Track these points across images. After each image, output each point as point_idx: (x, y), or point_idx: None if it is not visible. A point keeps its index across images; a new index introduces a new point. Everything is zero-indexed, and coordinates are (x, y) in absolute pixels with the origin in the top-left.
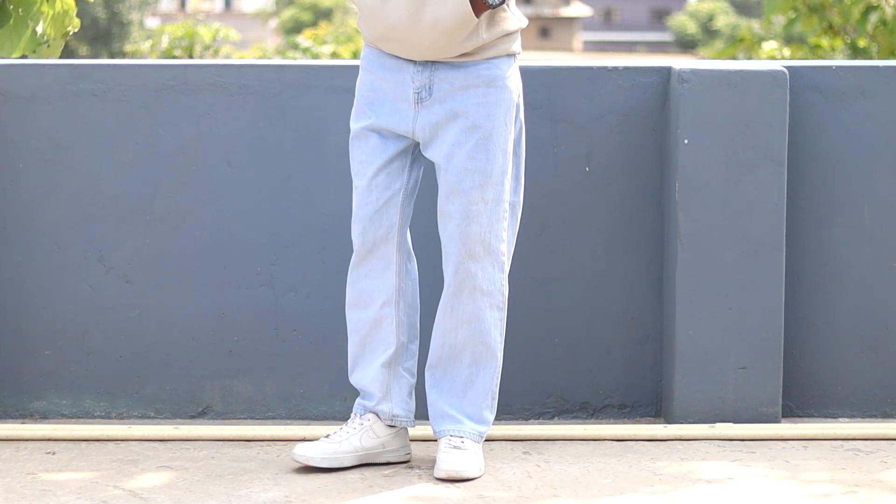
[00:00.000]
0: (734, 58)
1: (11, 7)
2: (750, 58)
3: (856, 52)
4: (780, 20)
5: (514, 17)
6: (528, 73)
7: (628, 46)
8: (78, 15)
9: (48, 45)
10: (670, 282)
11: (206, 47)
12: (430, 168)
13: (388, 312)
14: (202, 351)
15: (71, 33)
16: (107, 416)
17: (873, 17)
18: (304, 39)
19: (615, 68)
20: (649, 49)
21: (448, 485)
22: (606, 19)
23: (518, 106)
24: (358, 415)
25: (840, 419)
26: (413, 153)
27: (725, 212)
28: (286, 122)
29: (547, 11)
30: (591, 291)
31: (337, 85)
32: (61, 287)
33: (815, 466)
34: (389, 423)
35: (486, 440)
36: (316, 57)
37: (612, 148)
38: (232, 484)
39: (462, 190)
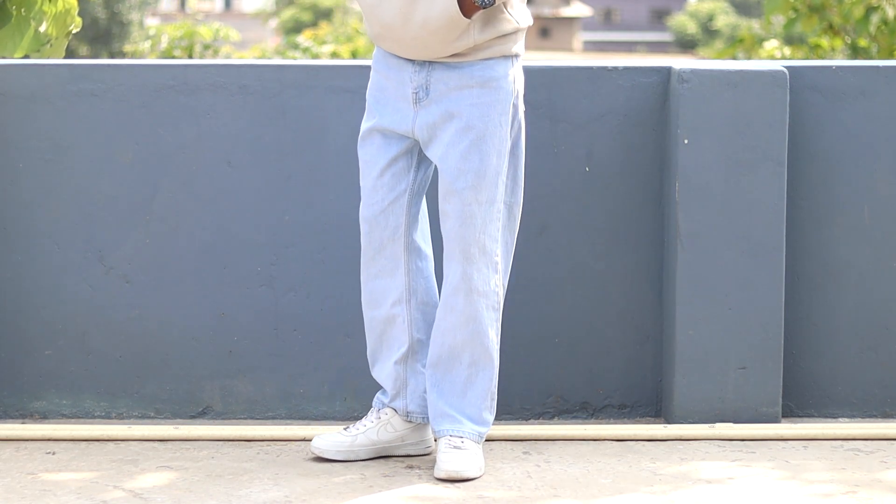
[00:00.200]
0: (734, 58)
1: (13, 7)
2: (750, 58)
3: (856, 52)
4: (780, 20)
5: (512, 19)
6: (528, 73)
7: (628, 46)
8: (78, 14)
9: (50, 45)
10: (670, 282)
11: (207, 47)
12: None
13: (399, 311)
14: (202, 351)
15: (73, 32)
16: (107, 416)
17: (875, 18)
18: (304, 39)
19: (615, 68)
20: (649, 49)
21: (448, 485)
22: (606, 19)
23: (516, 107)
24: (376, 409)
25: (840, 419)
26: (419, 153)
27: (725, 212)
28: (286, 122)
29: (547, 11)
30: (591, 291)
31: (337, 85)
32: (61, 287)
33: (815, 466)
34: (405, 418)
35: (486, 440)
36: (316, 57)
37: (612, 148)
38: (232, 484)
39: (456, 190)
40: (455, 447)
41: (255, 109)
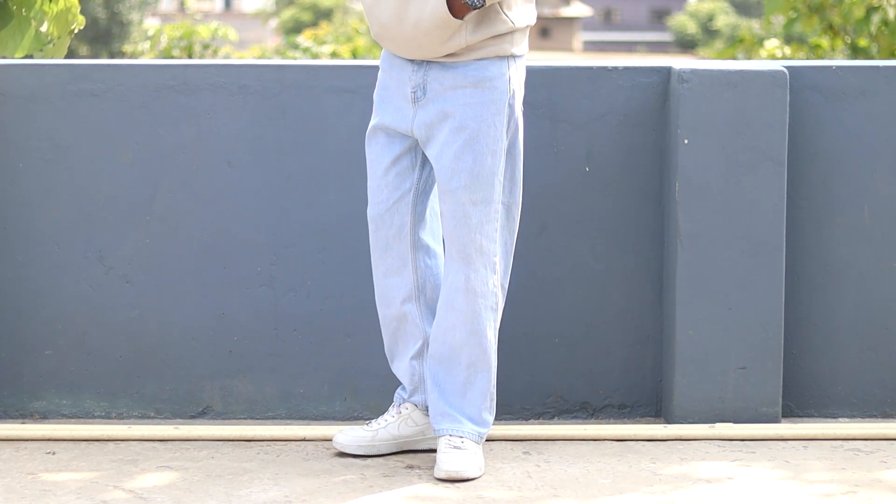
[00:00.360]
0: (734, 58)
1: (14, 7)
2: (750, 58)
3: (856, 52)
4: (780, 20)
5: (508, 19)
6: (528, 73)
7: (628, 46)
8: (80, 13)
9: (52, 45)
10: (670, 282)
11: (206, 47)
12: None
13: (409, 309)
14: (202, 351)
15: (75, 31)
16: (107, 416)
17: (875, 18)
18: (304, 39)
19: (615, 68)
20: (649, 49)
21: (448, 485)
22: (606, 19)
23: (512, 107)
24: (397, 404)
25: (840, 419)
26: (423, 152)
27: (725, 212)
28: (286, 122)
29: (547, 11)
30: (591, 291)
31: (337, 85)
32: (61, 287)
33: (815, 466)
34: (425, 413)
35: (486, 440)
36: (316, 57)
37: (612, 148)
38: (232, 484)
39: (450, 190)
40: (455, 447)
41: (255, 109)
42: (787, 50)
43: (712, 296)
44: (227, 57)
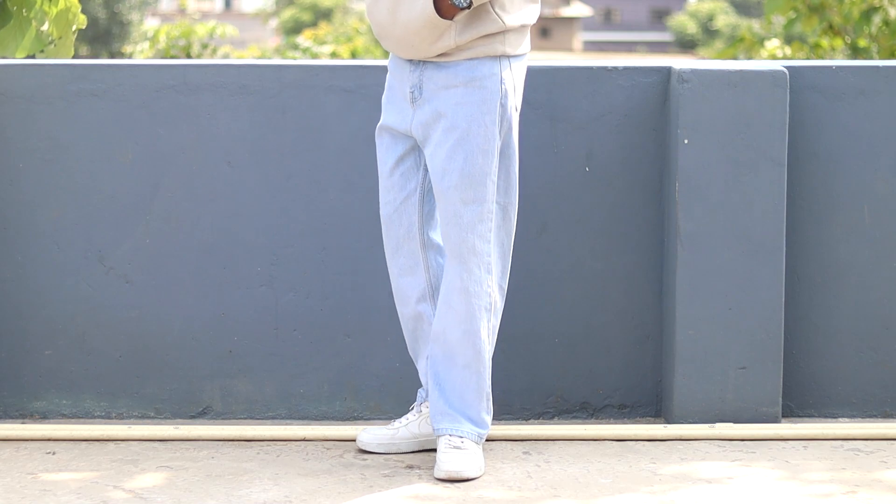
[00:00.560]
0: (734, 58)
1: (14, 7)
2: (750, 58)
3: (856, 52)
4: (780, 20)
5: (499, 19)
6: (528, 73)
7: (628, 46)
8: (80, 13)
9: (54, 45)
10: (670, 281)
11: (205, 46)
12: None
13: (424, 308)
14: (202, 351)
15: (77, 31)
16: (107, 416)
17: (876, 19)
18: (303, 39)
19: (615, 68)
20: (649, 49)
21: (448, 485)
22: (606, 19)
23: (504, 106)
24: (418, 403)
25: (840, 419)
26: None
27: (725, 212)
28: (286, 122)
29: (547, 11)
30: (590, 291)
31: (337, 85)
32: (61, 287)
33: (815, 466)
34: None
35: (486, 440)
36: (315, 57)
37: (612, 148)
38: (232, 484)
39: (442, 190)
40: (455, 447)
41: (255, 109)
42: (788, 50)
43: (712, 296)
44: (226, 56)
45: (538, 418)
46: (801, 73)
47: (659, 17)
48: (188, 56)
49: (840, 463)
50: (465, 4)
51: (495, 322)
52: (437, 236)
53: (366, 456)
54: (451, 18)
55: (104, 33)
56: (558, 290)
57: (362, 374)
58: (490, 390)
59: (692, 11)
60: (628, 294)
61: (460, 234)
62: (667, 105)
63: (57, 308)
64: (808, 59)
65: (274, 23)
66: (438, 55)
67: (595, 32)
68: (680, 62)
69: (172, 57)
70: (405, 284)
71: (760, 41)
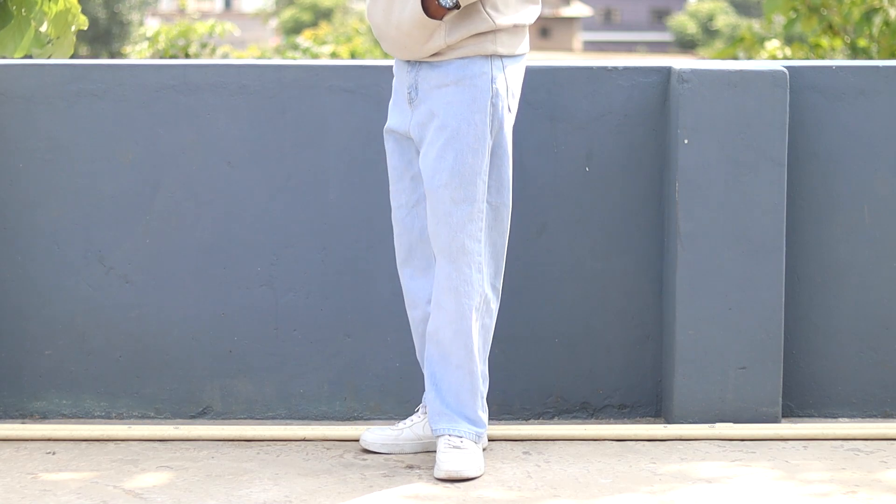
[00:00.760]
0: (734, 58)
1: (14, 7)
2: (750, 58)
3: (856, 52)
4: (780, 20)
5: (489, 18)
6: (528, 73)
7: (628, 46)
8: (80, 14)
9: (51, 44)
10: (670, 281)
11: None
12: None
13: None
14: (202, 351)
15: (77, 31)
16: (107, 416)
17: (877, 20)
18: (303, 39)
19: (615, 68)
20: (649, 49)
21: (448, 484)
22: (606, 19)
23: (495, 106)
24: (423, 405)
25: (840, 419)
26: None
27: (725, 212)
28: (286, 122)
29: (547, 11)
30: (590, 291)
31: (337, 85)
32: (61, 287)
33: (814, 466)
34: None
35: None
36: (315, 57)
37: (612, 148)
38: (232, 484)
39: (431, 188)
40: (454, 447)
41: (255, 109)
42: (788, 51)
43: (712, 296)
44: (226, 56)
45: (538, 418)
46: (801, 73)
47: (659, 17)
48: (187, 56)
49: (840, 463)
50: (451, 4)
51: (490, 322)
52: None
53: (366, 456)
54: (440, 18)
55: (104, 33)
56: (558, 290)
57: (362, 374)
58: (483, 390)
59: (692, 11)
60: (628, 294)
61: (450, 233)
62: (667, 105)
63: (57, 308)
64: (808, 59)
65: (274, 23)
66: (432, 55)
67: (595, 32)
68: (680, 62)
69: (171, 57)
70: (416, 287)
71: (760, 41)
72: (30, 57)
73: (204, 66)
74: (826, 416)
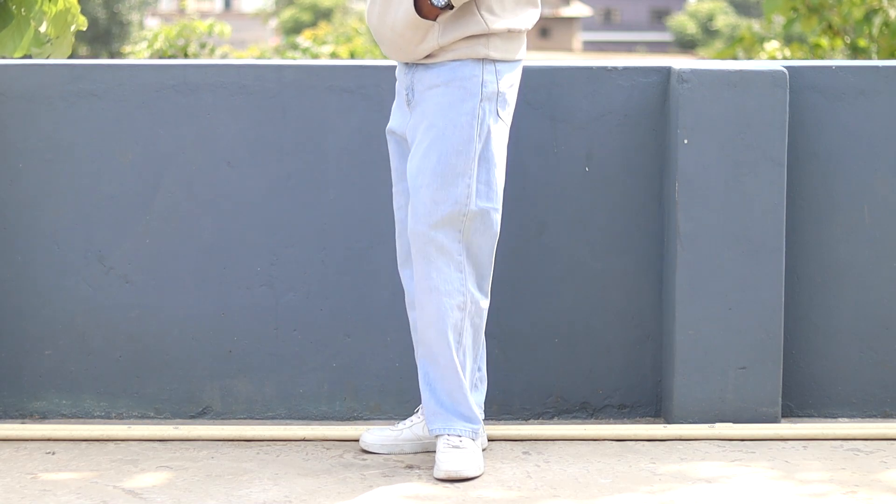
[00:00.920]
0: (734, 58)
1: (14, 7)
2: (750, 58)
3: (856, 52)
4: (780, 20)
5: (483, 21)
6: (528, 73)
7: (628, 46)
8: (80, 14)
9: (50, 44)
10: (670, 281)
11: (203, 45)
12: None
13: None
14: (202, 351)
15: (76, 31)
16: (107, 416)
17: (877, 20)
18: (303, 39)
19: (615, 68)
20: (649, 49)
21: (448, 485)
22: (606, 19)
23: (485, 110)
24: (423, 405)
25: (840, 419)
26: None
27: (725, 212)
28: (286, 122)
29: (547, 11)
30: (590, 291)
31: (337, 85)
32: (61, 287)
33: (814, 466)
34: None
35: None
36: (315, 57)
37: (612, 148)
38: (232, 484)
39: (413, 188)
40: (454, 447)
41: (255, 109)
42: (788, 52)
43: (712, 296)
44: (225, 56)
45: (538, 418)
46: (801, 73)
47: (659, 17)
48: (186, 55)
49: (840, 463)
50: (443, 4)
51: (479, 322)
52: None
53: (365, 456)
54: (433, 19)
55: (104, 33)
56: (558, 290)
57: (362, 374)
58: (468, 387)
59: (692, 11)
60: (628, 294)
61: (429, 233)
62: (667, 105)
63: (57, 308)
64: (807, 59)
65: (274, 23)
66: (426, 57)
67: (595, 32)
68: (680, 62)
69: (171, 56)
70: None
71: (760, 41)
72: (29, 57)
73: (204, 66)
74: (826, 417)
